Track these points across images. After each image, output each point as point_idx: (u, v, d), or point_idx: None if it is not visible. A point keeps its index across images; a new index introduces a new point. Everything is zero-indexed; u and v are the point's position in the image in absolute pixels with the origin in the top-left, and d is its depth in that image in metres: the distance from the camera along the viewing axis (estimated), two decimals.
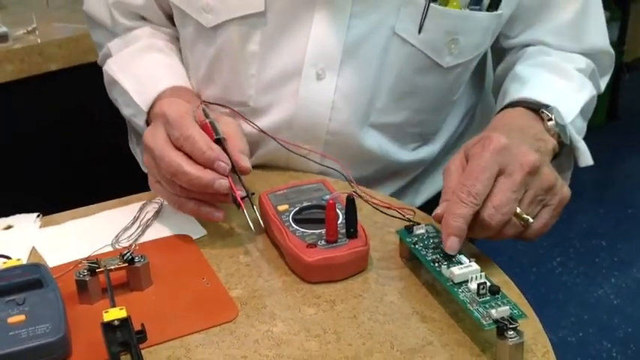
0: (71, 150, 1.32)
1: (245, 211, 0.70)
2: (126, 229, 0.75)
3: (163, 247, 0.72)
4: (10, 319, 0.59)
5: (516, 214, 0.65)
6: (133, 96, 0.84)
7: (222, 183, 0.69)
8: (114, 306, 0.60)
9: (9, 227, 0.78)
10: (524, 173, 0.65)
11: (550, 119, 0.75)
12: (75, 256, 0.71)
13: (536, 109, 0.77)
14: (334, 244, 0.67)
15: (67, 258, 0.71)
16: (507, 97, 0.81)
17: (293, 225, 0.70)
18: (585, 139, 0.83)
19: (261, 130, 0.81)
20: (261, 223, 0.72)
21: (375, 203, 0.72)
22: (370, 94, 0.81)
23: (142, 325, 0.57)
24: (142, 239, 0.74)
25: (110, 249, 0.72)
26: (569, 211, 2.35)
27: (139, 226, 0.75)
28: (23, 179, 1.27)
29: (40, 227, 0.78)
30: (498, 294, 0.58)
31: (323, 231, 0.68)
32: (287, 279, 0.68)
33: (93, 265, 0.65)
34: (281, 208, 0.72)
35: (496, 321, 0.56)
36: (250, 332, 0.61)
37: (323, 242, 0.67)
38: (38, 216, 0.79)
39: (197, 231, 0.74)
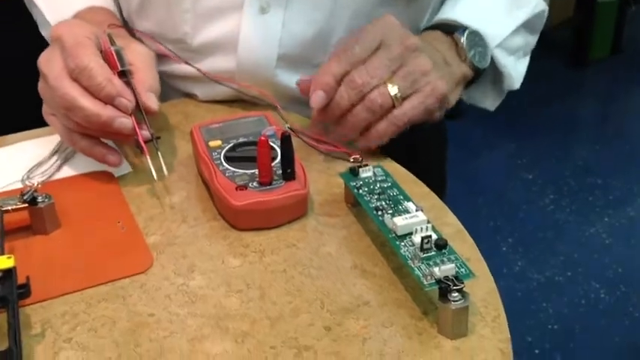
0: None
1: (148, 156, 0.62)
2: (41, 163, 0.66)
3: (79, 186, 0.64)
4: None
5: (387, 88, 0.63)
6: (45, 15, 0.74)
7: (124, 122, 0.60)
8: (2, 253, 0.52)
9: None
10: (403, 47, 0.64)
11: (461, 46, 0.70)
12: None
13: (452, 32, 0.71)
14: (267, 187, 0.58)
15: None
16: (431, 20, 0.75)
17: (224, 163, 0.61)
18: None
19: (202, 72, 0.73)
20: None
21: (313, 143, 0.64)
22: (323, 31, 0.71)
23: (27, 278, 0.50)
24: (58, 175, 0.65)
25: (20, 185, 0.64)
26: (564, 147, 2.28)
27: (56, 160, 0.67)
28: None
29: None
30: (445, 249, 0.50)
31: (256, 171, 0.59)
32: (215, 224, 0.59)
33: None
34: (213, 143, 0.63)
35: (439, 281, 0.47)
36: (163, 286, 0.53)
37: (255, 184, 0.58)
38: None
39: (121, 167, 0.66)
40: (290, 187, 0.58)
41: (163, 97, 0.81)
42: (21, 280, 0.50)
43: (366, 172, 0.59)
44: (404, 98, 0.64)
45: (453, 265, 0.48)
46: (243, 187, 0.58)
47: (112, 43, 0.65)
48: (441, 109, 0.66)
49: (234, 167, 0.60)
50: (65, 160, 0.67)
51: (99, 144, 0.63)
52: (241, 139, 0.64)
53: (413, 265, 0.49)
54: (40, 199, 0.58)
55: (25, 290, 0.49)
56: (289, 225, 0.59)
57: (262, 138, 0.58)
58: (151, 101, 0.63)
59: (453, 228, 0.58)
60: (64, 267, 0.55)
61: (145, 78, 0.64)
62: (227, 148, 0.63)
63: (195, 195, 0.63)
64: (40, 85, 0.63)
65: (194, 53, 0.74)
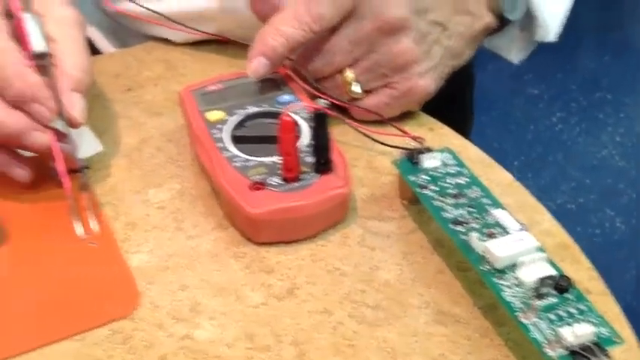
0: None
1: (70, 196, 0.43)
2: None
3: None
4: None
5: (343, 74, 0.48)
6: None
7: (39, 138, 0.42)
8: None
9: None
10: (375, 27, 0.46)
11: None
12: None
13: None
14: (294, 185, 0.41)
15: None
16: None
17: (230, 147, 0.44)
18: None
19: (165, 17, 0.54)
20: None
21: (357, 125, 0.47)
22: None
23: None
24: None
25: None
26: (569, 59, 2.07)
27: None
28: None
29: None
30: (570, 292, 0.34)
31: (277, 159, 0.42)
32: (221, 235, 0.43)
33: None
34: (212, 115, 0.46)
35: (573, 352, 0.32)
36: (156, 340, 0.37)
37: (276, 180, 0.42)
38: None
39: (88, 146, 0.48)
40: (326, 185, 0.42)
41: (120, 43, 0.63)
42: None
43: (430, 161, 0.42)
44: (367, 91, 0.48)
45: (591, 325, 0.32)
46: (259, 185, 0.41)
47: (25, 4, 0.44)
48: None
49: (244, 153, 0.43)
50: None
51: (1, 151, 0.44)
52: (251, 109, 0.46)
53: (526, 322, 0.33)
54: None
55: None
56: (325, 235, 0.42)
57: (285, 118, 0.40)
58: (76, 109, 0.43)
59: (554, 239, 0.42)
60: (10, 312, 0.38)
61: (72, 65, 0.43)
62: (233, 122, 0.45)
63: (191, 187, 0.46)
64: None
65: None
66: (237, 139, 0.44)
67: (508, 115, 1.93)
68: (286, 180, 0.42)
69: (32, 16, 0.44)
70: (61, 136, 0.43)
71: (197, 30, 0.55)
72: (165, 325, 0.38)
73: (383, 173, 0.46)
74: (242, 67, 0.55)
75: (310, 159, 0.42)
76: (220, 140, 0.44)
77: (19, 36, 0.43)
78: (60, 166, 0.42)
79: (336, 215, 0.43)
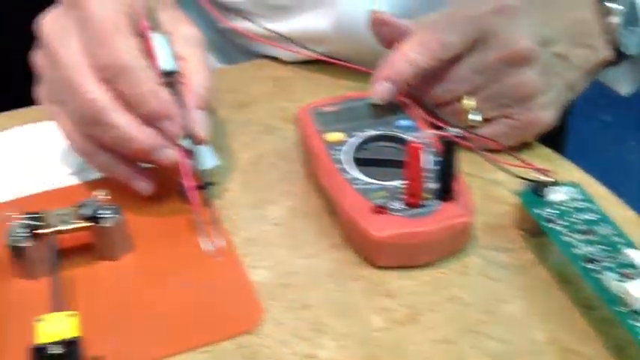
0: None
1: (197, 212, 0.43)
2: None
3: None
4: None
5: (462, 102, 0.48)
6: None
7: (168, 155, 0.43)
8: (59, 309, 0.37)
9: None
10: (501, 57, 0.46)
11: (613, 14, 0.50)
12: (19, 189, 0.47)
13: None
14: (417, 211, 0.42)
15: (4, 192, 0.47)
16: None
17: (350, 169, 0.44)
18: None
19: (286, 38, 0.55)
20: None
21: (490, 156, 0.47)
22: None
23: None
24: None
25: (74, 181, 0.48)
26: None
27: None
28: None
29: None
30: None
31: (398, 183, 0.43)
32: (339, 256, 0.43)
33: (34, 223, 0.41)
34: (331, 137, 0.46)
35: None
36: (281, 356, 0.38)
37: (398, 204, 0.42)
38: None
39: (206, 160, 0.49)
40: (449, 212, 0.42)
41: (227, 59, 0.64)
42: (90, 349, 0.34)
43: (556, 194, 0.42)
44: (485, 120, 0.48)
45: None
46: (382, 209, 0.42)
47: (153, 24, 0.45)
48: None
49: (366, 175, 0.44)
50: None
51: (124, 163, 0.45)
52: (370, 131, 0.47)
53: None
54: (103, 213, 0.42)
55: None
56: (444, 263, 0.43)
57: (414, 145, 0.41)
58: (202, 127, 0.44)
59: None
60: (138, 321, 0.39)
61: (198, 83, 0.44)
62: (352, 144, 0.46)
63: (305, 205, 0.47)
64: (39, 60, 0.45)
65: (276, 10, 0.56)
66: (357, 162, 0.45)
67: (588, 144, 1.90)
68: (409, 205, 0.42)
69: (161, 35, 0.45)
70: (187, 153, 0.44)
71: (314, 52, 0.55)
72: (289, 343, 0.38)
73: (498, 202, 0.46)
74: (348, 88, 0.56)
75: (432, 185, 0.42)
76: (339, 162, 0.45)
77: (148, 54, 0.44)
78: (188, 183, 0.43)
79: (457, 244, 0.43)
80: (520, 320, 0.39)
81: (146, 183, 0.45)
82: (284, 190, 0.48)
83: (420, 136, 0.42)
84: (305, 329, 0.39)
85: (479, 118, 0.48)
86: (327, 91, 0.56)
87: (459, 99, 0.48)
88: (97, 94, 0.41)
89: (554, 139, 0.69)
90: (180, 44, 0.45)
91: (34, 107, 0.52)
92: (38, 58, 0.45)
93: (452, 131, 0.41)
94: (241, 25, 0.57)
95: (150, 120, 0.43)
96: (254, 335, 0.39)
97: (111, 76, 0.42)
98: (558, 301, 0.40)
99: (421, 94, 0.49)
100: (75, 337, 0.35)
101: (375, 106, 0.48)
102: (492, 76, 0.47)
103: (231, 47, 0.63)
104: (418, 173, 0.41)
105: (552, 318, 0.39)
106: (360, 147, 0.46)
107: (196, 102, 0.44)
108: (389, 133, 0.47)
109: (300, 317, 0.40)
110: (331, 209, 0.45)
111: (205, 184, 0.44)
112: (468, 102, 0.48)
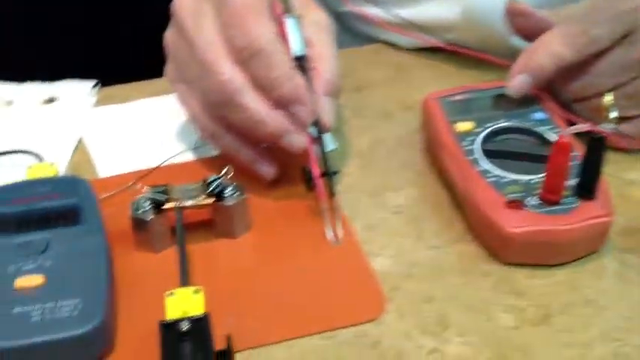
0: None
1: (323, 200, 0.42)
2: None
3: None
4: (20, 281, 0.36)
5: (602, 98, 0.45)
6: None
7: (297, 141, 0.42)
8: (185, 284, 0.36)
9: (51, 100, 0.54)
10: None
11: None
12: (139, 162, 0.47)
13: None
14: (554, 208, 0.39)
15: (126, 165, 0.47)
16: None
17: (482, 161, 0.42)
18: None
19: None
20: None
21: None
22: None
23: (228, 339, 0.33)
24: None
25: (192, 156, 0.48)
26: None
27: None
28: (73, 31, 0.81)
29: (96, 105, 0.53)
30: None
31: (534, 178, 0.40)
32: (465, 249, 0.41)
33: (159, 199, 0.41)
34: (461, 126, 0.45)
35: None
36: (403, 348, 0.36)
37: (534, 201, 0.40)
38: (96, 85, 0.55)
39: (325, 142, 0.48)
40: (589, 211, 0.39)
41: (341, 44, 0.63)
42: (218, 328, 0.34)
43: None
44: (622, 118, 0.45)
45: None
46: (517, 204, 0.40)
47: (287, 9, 0.44)
48: None
49: (498, 168, 0.42)
50: None
51: (249, 146, 0.44)
52: (502, 123, 0.45)
53: None
54: (227, 192, 0.41)
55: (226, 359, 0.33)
56: (579, 263, 0.40)
57: (564, 141, 0.38)
58: (329, 114, 0.43)
59: None
60: (260, 297, 0.38)
61: (327, 69, 0.43)
62: (483, 135, 0.44)
63: (429, 195, 0.45)
64: (172, 39, 0.44)
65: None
66: (488, 153, 0.43)
67: None
68: (545, 201, 0.40)
69: (294, 20, 0.44)
70: (315, 140, 0.43)
71: (435, 39, 0.53)
72: (413, 335, 0.37)
73: (636, 203, 0.43)
74: (470, 77, 0.54)
75: (571, 182, 0.40)
76: (471, 152, 0.43)
77: (282, 38, 0.43)
78: (315, 170, 0.42)
79: (594, 244, 0.40)
80: None
81: (269, 167, 0.45)
82: (404, 178, 0.46)
83: (567, 131, 0.39)
84: (429, 323, 0.37)
85: (617, 114, 0.45)
86: (449, 79, 0.54)
87: (599, 95, 0.45)
88: (232, 75, 0.41)
89: None
90: (310, 29, 0.44)
91: (154, 80, 0.52)
92: (170, 38, 0.45)
93: (606, 127, 0.38)
94: (367, 10, 0.56)
95: (282, 104, 0.41)
96: (375, 324, 0.37)
97: (246, 58, 0.41)
98: None
99: (559, 88, 0.46)
100: (204, 314, 0.34)
101: (506, 97, 0.46)
102: (636, 73, 0.44)
103: (340, 31, 0.61)
104: (563, 169, 0.39)
105: None
106: (488, 138, 0.44)
107: (325, 88, 0.43)
108: (523, 125, 0.44)
109: (423, 310, 0.38)
110: (454, 200, 0.44)
111: (331, 172, 0.43)
112: (609, 98, 0.45)
